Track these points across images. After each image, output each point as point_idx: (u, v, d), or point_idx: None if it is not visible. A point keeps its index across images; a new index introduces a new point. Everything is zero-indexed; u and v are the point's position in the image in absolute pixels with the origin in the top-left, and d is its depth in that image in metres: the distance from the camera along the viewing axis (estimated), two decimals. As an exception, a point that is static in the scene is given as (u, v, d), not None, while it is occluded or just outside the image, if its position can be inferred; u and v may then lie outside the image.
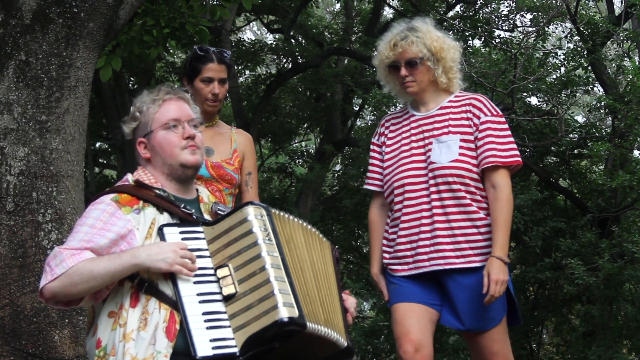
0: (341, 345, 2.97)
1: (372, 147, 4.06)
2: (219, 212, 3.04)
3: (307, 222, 3.09)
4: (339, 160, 20.22)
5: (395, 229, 3.87)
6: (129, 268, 2.78)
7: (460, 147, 3.80)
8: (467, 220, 3.76)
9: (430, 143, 3.83)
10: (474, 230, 3.77)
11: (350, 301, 3.17)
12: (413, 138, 3.90)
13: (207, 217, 3.05)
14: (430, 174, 3.79)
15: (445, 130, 3.83)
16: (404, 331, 3.73)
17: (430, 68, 3.87)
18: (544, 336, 16.67)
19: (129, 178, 3.07)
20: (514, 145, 3.85)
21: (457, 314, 3.77)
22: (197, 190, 3.16)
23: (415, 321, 3.73)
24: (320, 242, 3.12)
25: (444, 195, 3.77)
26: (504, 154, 3.79)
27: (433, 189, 3.78)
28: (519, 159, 3.84)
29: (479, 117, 3.83)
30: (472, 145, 3.81)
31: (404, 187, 3.83)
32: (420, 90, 3.91)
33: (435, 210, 3.76)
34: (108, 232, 2.84)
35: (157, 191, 2.98)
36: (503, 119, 3.88)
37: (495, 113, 3.86)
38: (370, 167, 4.03)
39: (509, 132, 3.87)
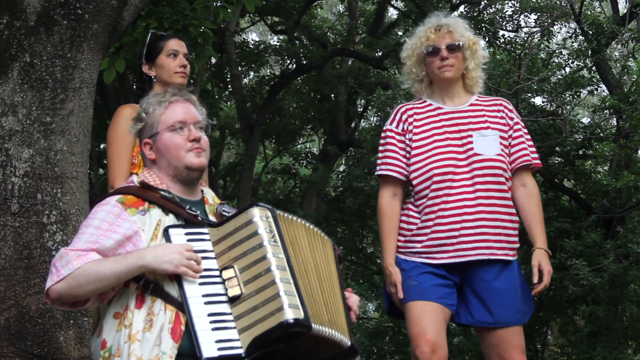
0: (345, 346, 2.98)
1: (389, 134, 4.01)
2: (224, 213, 3.04)
3: (309, 222, 3.09)
4: (343, 161, 20.22)
5: (432, 216, 3.82)
6: (135, 270, 2.78)
7: (500, 143, 3.90)
8: (508, 214, 3.84)
9: (470, 136, 3.88)
10: (510, 224, 3.85)
11: (353, 299, 3.17)
12: (447, 129, 3.91)
13: (212, 218, 3.06)
14: (475, 166, 3.82)
15: (485, 125, 3.91)
16: (420, 331, 3.71)
17: (465, 58, 3.98)
18: (549, 337, 16.65)
19: (134, 179, 3.07)
20: (535, 149, 4.03)
21: (487, 309, 3.77)
22: (202, 191, 3.16)
23: (432, 321, 3.72)
24: (323, 241, 3.12)
25: (491, 187, 3.82)
26: (533, 155, 3.96)
27: (479, 179, 3.81)
28: (540, 162, 4.02)
29: (512, 118, 3.98)
30: (506, 143, 3.93)
31: (446, 175, 3.82)
32: (454, 78, 3.97)
33: (480, 201, 3.79)
34: (114, 234, 2.85)
35: (163, 192, 2.98)
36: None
37: (519, 117, 4.04)
38: (387, 154, 3.98)
39: (530, 137, 4.05)
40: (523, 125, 4.01)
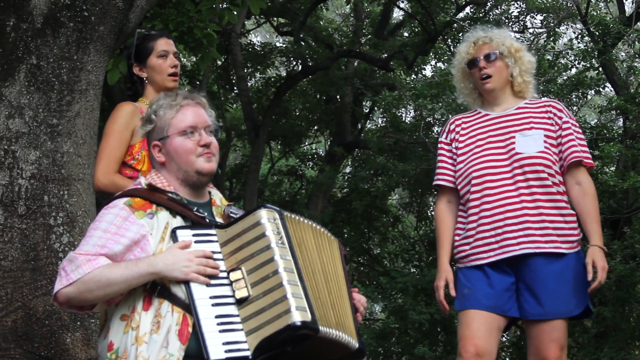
0: (353, 348, 2.97)
1: (440, 145, 4.18)
2: (232, 214, 3.04)
3: (316, 222, 3.08)
4: (349, 163, 20.22)
5: (475, 217, 3.93)
6: (145, 277, 2.78)
7: (545, 142, 3.95)
8: (554, 208, 3.88)
9: (513, 137, 3.97)
10: (560, 218, 3.88)
11: (361, 301, 3.16)
12: (491, 133, 4.02)
13: (219, 220, 3.05)
14: (516, 164, 3.90)
15: (528, 125, 3.99)
16: (469, 334, 3.79)
17: (508, 65, 4.08)
18: (556, 338, 16.60)
19: (142, 181, 3.06)
20: (588, 149, 4.08)
21: (539, 302, 3.81)
22: (209, 193, 3.16)
23: (483, 327, 3.79)
24: (329, 242, 3.11)
25: (532, 183, 3.88)
26: (585, 154, 4.00)
27: (520, 177, 3.89)
28: (592, 161, 4.06)
29: (560, 118, 4.03)
30: (555, 142, 3.99)
31: (483, 177, 3.93)
32: (497, 87, 4.08)
33: (523, 197, 3.86)
34: (122, 238, 2.84)
35: (170, 195, 2.98)
36: (578, 125, 4.11)
37: (572, 117, 4.09)
38: (439, 164, 4.15)
39: (583, 137, 4.10)
40: (575, 124, 4.06)
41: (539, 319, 3.82)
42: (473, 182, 3.95)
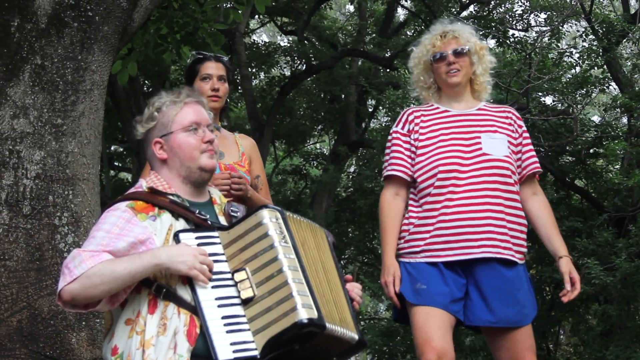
0: (354, 341, 2.97)
1: (394, 135, 4.04)
2: (232, 212, 3.05)
3: (307, 218, 3.08)
4: (354, 162, 20.21)
5: (435, 212, 3.82)
6: (149, 268, 2.77)
7: (508, 147, 3.92)
8: (515, 216, 3.85)
9: (479, 137, 3.90)
10: (517, 227, 3.85)
11: (356, 290, 3.16)
12: (455, 130, 3.94)
13: (221, 218, 3.05)
14: (483, 164, 3.84)
15: (493, 128, 3.94)
16: (426, 338, 3.68)
17: (473, 63, 4.02)
18: (561, 336, 16.61)
19: (143, 184, 3.06)
20: None
21: (489, 308, 3.75)
22: (209, 192, 3.16)
23: (437, 327, 3.69)
24: (322, 236, 3.11)
25: (499, 186, 3.83)
26: (539, 166, 4.02)
27: (488, 178, 3.82)
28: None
29: (520, 126, 4.03)
30: (515, 149, 3.96)
31: (451, 173, 3.83)
32: (462, 82, 4.01)
33: (488, 200, 3.79)
34: (126, 237, 2.84)
35: (171, 197, 2.98)
36: None
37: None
38: (394, 155, 4.00)
39: None
40: (528, 134, 4.07)
41: (511, 328, 3.76)
42: (439, 176, 3.83)
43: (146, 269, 2.77)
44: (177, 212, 2.94)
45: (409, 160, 3.96)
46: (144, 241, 2.85)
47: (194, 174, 3.03)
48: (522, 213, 3.88)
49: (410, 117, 4.03)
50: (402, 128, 4.03)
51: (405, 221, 3.93)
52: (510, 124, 3.98)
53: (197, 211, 2.97)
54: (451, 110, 4.01)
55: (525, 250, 3.86)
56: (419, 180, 3.91)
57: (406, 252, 3.88)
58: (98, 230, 2.88)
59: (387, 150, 4.04)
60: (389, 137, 4.07)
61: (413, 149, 3.96)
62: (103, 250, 2.80)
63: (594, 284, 10.71)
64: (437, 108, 4.04)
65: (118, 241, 2.83)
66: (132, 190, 3.08)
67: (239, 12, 7.87)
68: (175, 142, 3.03)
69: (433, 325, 3.69)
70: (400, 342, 14.70)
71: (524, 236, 3.87)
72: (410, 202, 3.97)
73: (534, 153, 3.99)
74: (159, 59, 7.65)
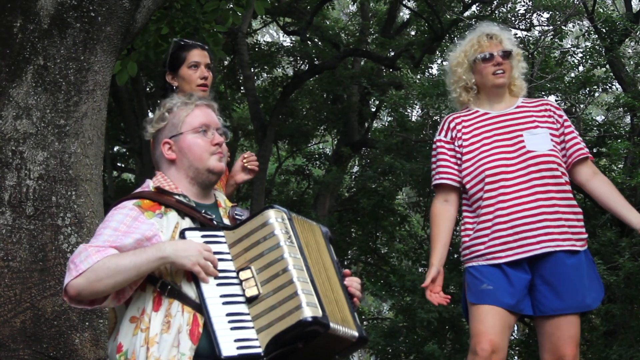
0: (355, 339, 2.98)
1: (438, 144, 4.11)
2: (237, 216, 3.07)
3: (303, 217, 3.09)
4: (356, 162, 20.21)
5: (490, 216, 3.89)
6: (154, 261, 2.78)
7: (552, 140, 3.96)
8: (568, 206, 3.90)
9: (520, 135, 3.95)
10: (573, 216, 3.90)
11: (355, 285, 3.15)
12: (497, 132, 4.00)
13: (226, 220, 3.07)
14: (530, 162, 3.89)
15: (534, 124, 3.98)
16: (484, 330, 3.76)
17: (513, 67, 4.10)
18: (565, 336, 16.55)
19: (150, 184, 3.08)
20: None
21: (559, 295, 3.80)
22: (214, 195, 3.17)
23: (498, 323, 3.77)
24: (321, 236, 3.12)
25: (548, 181, 3.88)
26: (587, 150, 4.05)
27: (535, 175, 3.87)
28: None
29: (561, 116, 4.06)
30: (558, 140, 4.00)
31: (498, 176, 3.89)
32: (505, 84, 4.08)
33: (539, 196, 3.84)
34: (132, 234, 2.85)
35: (178, 197, 2.99)
36: None
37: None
38: (440, 163, 4.07)
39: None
40: (570, 122, 4.09)
41: (556, 315, 3.81)
42: (487, 180, 3.91)
43: (151, 262, 2.78)
44: (183, 211, 2.95)
45: (456, 167, 4.04)
46: (150, 238, 2.86)
47: (201, 176, 3.05)
48: (574, 202, 3.94)
49: (452, 125, 4.10)
50: (445, 136, 4.10)
51: (463, 228, 4.01)
52: (550, 116, 4.03)
53: (203, 211, 2.98)
54: (491, 112, 4.07)
55: (585, 236, 3.90)
56: (468, 186, 3.99)
57: (469, 258, 3.96)
58: (105, 227, 2.89)
59: (433, 159, 4.13)
60: (433, 147, 4.16)
61: (459, 155, 4.04)
62: (109, 246, 2.81)
63: (598, 284, 10.68)
64: (477, 112, 4.10)
65: (125, 238, 2.84)
66: (139, 189, 3.09)
67: (239, 14, 7.87)
68: (185, 143, 3.05)
69: (494, 320, 3.77)
70: (403, 342, 14.70)
71: (581, 223, 3.92)
72: (465, 208, 4.03)
73: (578, 140, 4.02)
74: (159, 60, 7.65)
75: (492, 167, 3.92)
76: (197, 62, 4.26)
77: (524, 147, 3.92)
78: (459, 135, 4.06)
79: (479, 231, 3.92)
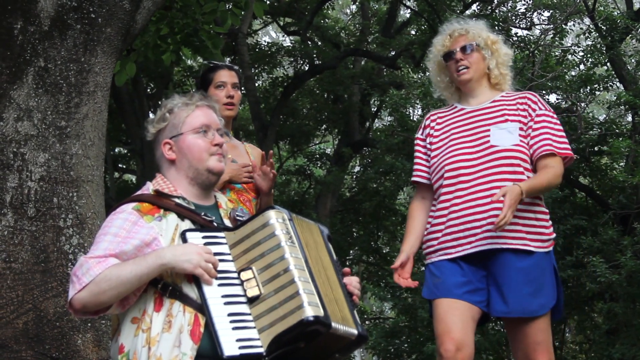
0: (354, 337, 2.98)
1: (416, 141, 4.15)
2: (237, 217, 3.08)
3: (302, 217, 3.09)
4: (357, 162, 20.21)
5: (445, 211, 3.86)
6: (155, 269, 2.79)
7: (519, 134, 3.88)
8: (526, 204, 3.78)
9: (488, 130, 3.90)
10: (532, 215, 3.80)
11: (354, 284, 3.15)
12: (465, 127, 3.96)
13: (226, 221, 3.07)
14: (490, 157, 3.83)
15: (502, 118, 3.92)
16: (445, 329, 3.70)
17: (484, 57, 4.03)
18: (567, 334, 16.59)
19: (149, 187, 3.08)
20: (567, 140, 3.93)
21: (503, 298, 3.73)
22: (215, 196, 3.17)
23: (458, 319, 3.70)
24: (317, 233, 3.12)
25: (507, 176, 3.78)
26: (558, 145, 3.86)
27: (494, 170, 3.80)
28: (571, 152, 3.92)
29: (534, 110, 3.93)
30: (525, 134, 3.89)
31: (457, 171, 3.86)
32: (473, 79, 4.01)
33: (495, 191, 3.71)
34: (132, 240, 2.86)
35: (177, 200, 3.00)
36: (556, 116, 3.99)
37: (549, 109, 3.98)
38: (415, 161, 4.11)
39: (562, 128, 3.97)
40: (552, 116, 3.93)
41: (524, 318, 3.74)
42: (446, 175, 3.87)
43: (152, 270, 2.78)
44: (182, 213, 2.95)
45: (427, 164, 4.05)
46: (149, 243, 2.86)
47: (201, 176, 3.05)
48: (538, 201, 3.84)
49: (427, 122, 4.12)
50: (421, 134, 4.13)
51: (428, 223, 3.99)
52: (523, 109, 3.93)
53: (203, 213, 2.98)
54: (467, 107, 4.04)
55: (547, 237, 3.80)
56: (433, 182, 3.98)
57: (426, 253, 3.94)
58: (105, 234, 2.89)
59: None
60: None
61: (429, 152, 4.04)
62: (110, 255, 2.82)
63: (600, 282, 10.70)
64: (454, 107, 4.09)
65: (125, 244, 2.85)
66: (139, 192, 3.10)
67: (237, 16, 7.86)
68: (185, 144, 3.05)
69: (453, 317, 3.71)
70: (404, 342, 14.70)
71: (543, 223, 3.82)
72: (433, 203, 4.01)
73: (545, 136, 3.86)
74: (160, 60, 7.65)
75: (452, 162, 3.87)
76: (223, 82, 4.40)
77: (488, 142, 3.86)
78: (430, 132, 4.07)
79: (435, 226, 3.90)
